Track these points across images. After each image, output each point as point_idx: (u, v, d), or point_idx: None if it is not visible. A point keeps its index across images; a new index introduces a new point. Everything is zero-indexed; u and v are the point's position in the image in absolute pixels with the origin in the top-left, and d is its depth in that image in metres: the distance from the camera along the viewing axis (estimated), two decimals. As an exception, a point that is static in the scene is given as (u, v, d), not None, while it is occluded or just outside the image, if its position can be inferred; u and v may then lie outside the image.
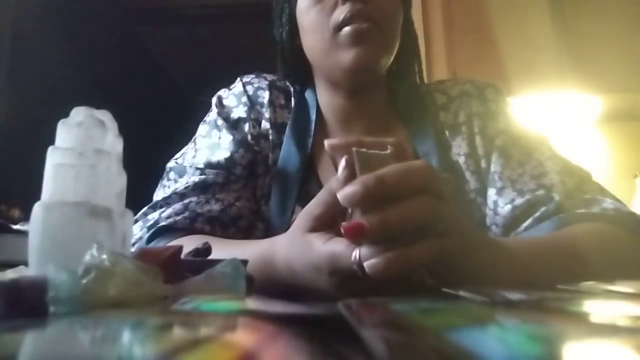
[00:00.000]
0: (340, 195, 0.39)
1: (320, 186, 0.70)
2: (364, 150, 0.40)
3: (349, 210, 0.41)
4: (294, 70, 0.76)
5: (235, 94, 0.77)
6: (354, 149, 0.40)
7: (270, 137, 0.73)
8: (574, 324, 0.23)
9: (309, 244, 0.44)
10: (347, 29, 0.64)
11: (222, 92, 0.78)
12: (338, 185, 0.42)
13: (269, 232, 0.68)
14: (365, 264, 0.39)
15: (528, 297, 0.33)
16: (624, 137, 1.91)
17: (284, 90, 0.78)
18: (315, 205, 0.45)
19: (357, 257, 0.40)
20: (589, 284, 0.38)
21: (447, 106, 0.75)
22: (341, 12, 0.64)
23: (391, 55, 0.70)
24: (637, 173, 1.79)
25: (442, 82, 0.80)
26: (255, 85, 0.77)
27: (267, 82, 0.77)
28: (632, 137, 1.91)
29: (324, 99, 0.75)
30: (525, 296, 0.33)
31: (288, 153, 0.72)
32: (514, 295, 0.34)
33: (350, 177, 0.40)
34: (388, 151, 0.41)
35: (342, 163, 0.41)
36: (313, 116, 0.75)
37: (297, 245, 0.46)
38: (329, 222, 0.45)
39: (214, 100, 0.77)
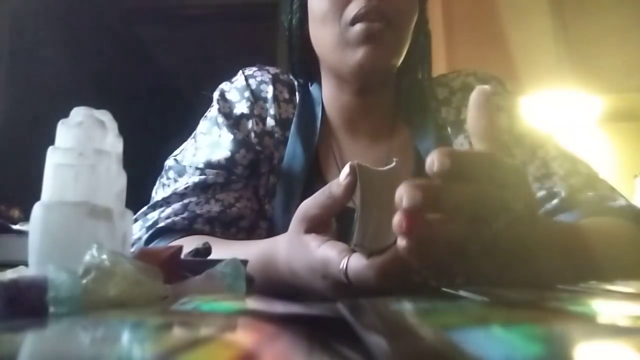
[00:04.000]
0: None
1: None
2: (366, 165, 0.40)
3: (357, 214, 0.41)
4: (301, 60, 0.74)
5: (237, 88, 0.74)
6: (356, 162, 0.40)
7: (275, 135, 0.72)
8: (574, 324, 0.23)
9: (305, 246, 0.45)
10: (359, 25, 0.62)
11: (224, 86, 0.76)
12: (338, 189, 0.42)
13: (272, 231, 0.67)
14: (351, 276, 0.40)
15: (528, 297, 0.33)
16: (624, 137, 1.92)
17: (288, 84, 0.75)
18: (311, 207, 0.45)
19: (345, 266, 0.40)
20: (589, 284, 0.38)
21: (449, 100, 0.74)
22: (355, 7, 0.62)
23: (401, 56, 0.68)
24: (637, 173, 1.79)
25: (444, 75, 0.78)
26: (259, 78, 0.74)
27: (270, 76, 0.75)
28: (632, 137, 1.91)
29: (330, 95, 0.73)
30: (525, 296, 0.33)
31: (293, 152, 0.70)
32: (514, 295, 0.34)
33: (352, 184, 0.40)
34: (393, 164, 0.41)
35: (346, 169, 0.41)
36: (319, 113, 0.73)
37: (295, 246, 0.46)
38: (324, 223, 0.45)
39: (216, 94, 0.75)
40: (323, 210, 0.44)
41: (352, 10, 0.62)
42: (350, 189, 0.41)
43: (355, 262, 0.40)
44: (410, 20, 0.67)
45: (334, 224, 0.47)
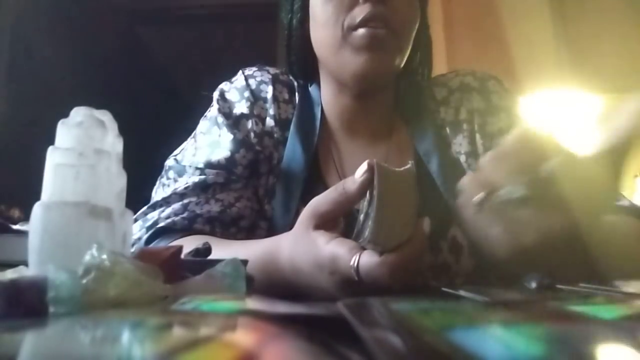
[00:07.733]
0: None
1: (325, 186, 0.69)
2: (385, 165, 0.41)
3: (365, 212, 0.41)
4: (299, 60, 0.73)
5: (237, 88, 0.74)
6: (375, 160, 0.41)
7: (275, 135, 0.72)
8: (574, 324, 0.23)
9: (313, 242, 0.45)
10: (362, 30, 0.61)
11: (224, 85, 0.76)
12: (353, 185, 0.42)
13: (272, 231, 0.67)
14: (362, 273, 0.40)
15: (528, 297, 0.33)
16: (624, 137, 1.91)
17: (288, 84, 0.75)
18: (322, 203, 0.45)
19: (356, 263, 0.40)
20: (589, 284, 0.38)
21: (448, 99, 0.74)
22: (360, 12, 0.62)
23: (402, 63, 0.68)
24: (637, 173, 1.79)
25: (442, 75, 0.78)
26: (258, 78, 0.75)
27: (270, 76, 0.75)
28: (632, 137, 1.91)
29: (329, 97, 0.73)
30: (525, 296, 0.33)
31: (292, 152, 0.70)
32: (514, 295, 0.34)
33: (368, 181, 0.41)
34: (408, 166, 0.41)
35: (363, 167, 0.41)
36: (318, 114, 0.73)
37: (301, 242, 0.47)
38: (334, 221, 0.46)
39: (216, 94, 0.75)
40: (334, 206, 0.44)
41: (356, 15, 0.62)
42: (365, 186, 0.41)
43: (368, 259, 0.40)
44: (412, 28, 0.67)
45: (342, 222, 0.47)
